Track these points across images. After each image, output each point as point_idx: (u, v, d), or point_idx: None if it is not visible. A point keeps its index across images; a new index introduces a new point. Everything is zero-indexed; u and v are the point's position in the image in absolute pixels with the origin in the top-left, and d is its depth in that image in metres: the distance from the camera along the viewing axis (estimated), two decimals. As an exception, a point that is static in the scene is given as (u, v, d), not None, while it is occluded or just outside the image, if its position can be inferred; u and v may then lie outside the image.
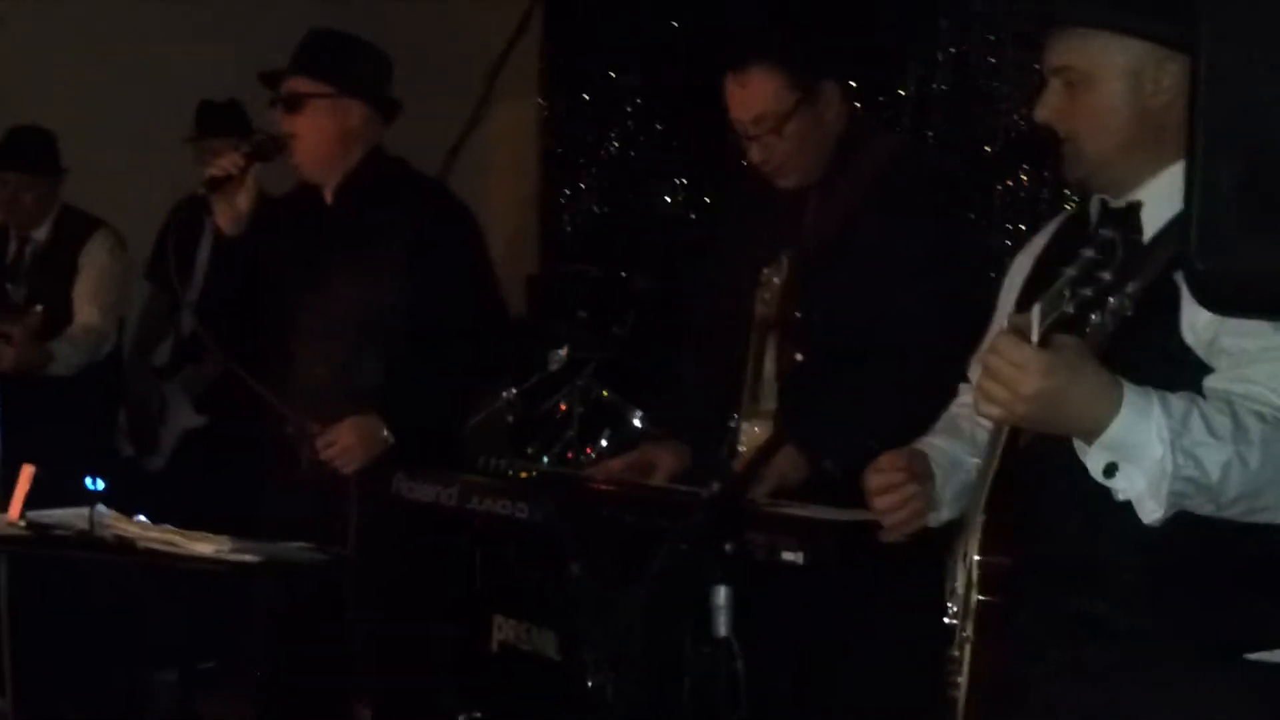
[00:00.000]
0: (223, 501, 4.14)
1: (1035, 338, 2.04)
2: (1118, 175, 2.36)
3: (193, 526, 3.52)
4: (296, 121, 3.93)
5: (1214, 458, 2.08)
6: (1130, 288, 1.96)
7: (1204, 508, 2.12)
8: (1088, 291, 1.97)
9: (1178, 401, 2.10)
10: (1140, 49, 2.32)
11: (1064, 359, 2.04)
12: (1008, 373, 2.06)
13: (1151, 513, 2.10)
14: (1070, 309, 1.99)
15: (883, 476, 2.53)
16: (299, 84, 3.95)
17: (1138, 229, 2.05)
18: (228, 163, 3.88)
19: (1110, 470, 2.10)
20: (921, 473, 2.53)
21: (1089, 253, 1.98)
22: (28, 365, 5.09)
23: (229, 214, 3.92)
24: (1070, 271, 1.99)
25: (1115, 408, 2.06)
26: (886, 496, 2.52)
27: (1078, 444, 2.13)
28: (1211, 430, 2.08)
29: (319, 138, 3.94)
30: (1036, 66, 4.99)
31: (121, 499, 3.72)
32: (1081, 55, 2.36)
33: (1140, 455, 2.07)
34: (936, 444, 2.61)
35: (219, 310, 4.12)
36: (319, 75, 3.94)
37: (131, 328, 5.84)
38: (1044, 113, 2.42)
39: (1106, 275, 1.96)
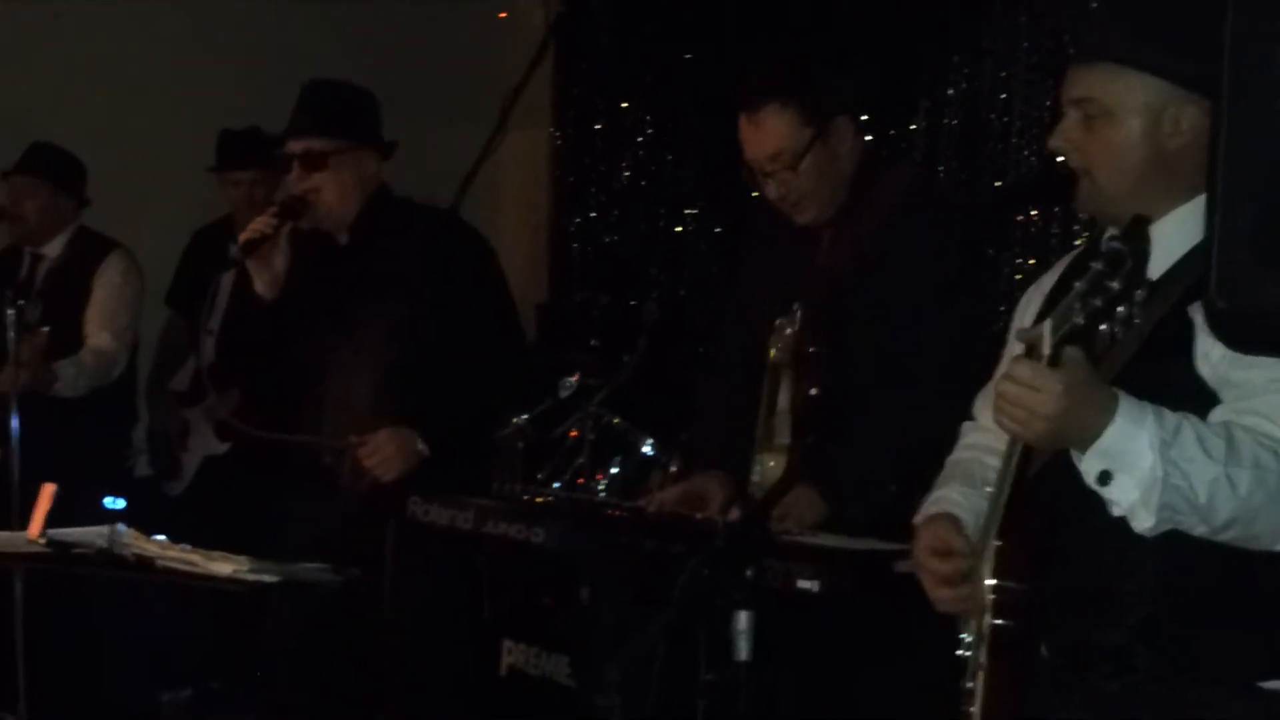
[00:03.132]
0: (242, 526, 4.16)
1: (1046, 351, 2.09)
2: (1127, 212, 2.32)
3: (211, 549, 3.53)
4: (320, 178, 4.03)
5: (1201, 474, 2.12)
6: (1138, 295, 2.01)
7: (1197, 529, 2.16)
8: (1097, 301, 2.02)
9: (1172, 416, 2.14)
10: (1162, 89, 2.31)
11: (1076, 376, 2.10)
12: (1025, 395, 2.11)
13: (1143, 521, 2.14)
14: (1080, 320, 2.04)
15: (951, 564, 2.43)
16: (316, 143, 4.04)
17: (1145, 239, 2.06)
18: (261, 224, 3.96)
19: (1104, 478, 2.15)
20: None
21: (1097, 265, 2.03)
22: (33, 385, 5.05)
23: (267, 276, 4.02)
24: (1079, 285, 2.04)
25: (1111, 416, 2.12)
26: (949, 590, 2.44)
27: (1073, 451, 2.17)
28: (1204, 448, 2.13)
29: (343, 190, 4.06)
30: (1048, 103, 5.06)
31: (140, 520, 3.74)
32: (1103, 89, 2.35)
33: (1133, 464, 2.12)
34: (956, 499, 2.57)
35: (250, 366, 4.16)
36: (334, 132, 4.05)
37: (151, 351, 5.84)
38: (1058, 142, 2.41)
39: (1115, 284, 2.01)
